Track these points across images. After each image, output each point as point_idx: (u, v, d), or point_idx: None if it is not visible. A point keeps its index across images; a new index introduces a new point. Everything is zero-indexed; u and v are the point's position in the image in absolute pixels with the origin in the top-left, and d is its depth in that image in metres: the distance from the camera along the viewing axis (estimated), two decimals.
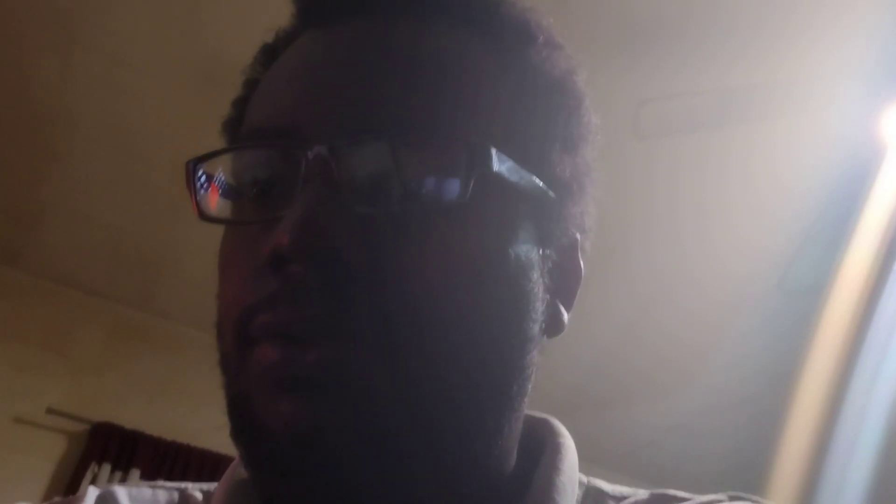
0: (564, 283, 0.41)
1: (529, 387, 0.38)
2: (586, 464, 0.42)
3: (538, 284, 0.38)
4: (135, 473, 2.70)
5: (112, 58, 2.05)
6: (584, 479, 0.43)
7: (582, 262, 0.43)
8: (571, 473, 0.40)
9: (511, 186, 0.36)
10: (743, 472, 2.56)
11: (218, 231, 0.39)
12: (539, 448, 0.41)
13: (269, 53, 0.43)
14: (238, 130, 0.42)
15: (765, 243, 2.24)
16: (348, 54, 0.37)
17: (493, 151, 0.35)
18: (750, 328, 2.52)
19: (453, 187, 0.34)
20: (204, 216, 0.37)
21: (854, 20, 1.68)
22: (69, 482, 2.65)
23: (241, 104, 0.43)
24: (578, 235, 0.43)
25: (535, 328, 0.38)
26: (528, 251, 0.37)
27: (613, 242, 2.28)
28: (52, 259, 2.90)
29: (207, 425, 2.76)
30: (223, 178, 0.37)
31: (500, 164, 0.35)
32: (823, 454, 2.40)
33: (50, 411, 2.74)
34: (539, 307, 0.38)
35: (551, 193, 0.39)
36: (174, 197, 2.48)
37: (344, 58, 0.37)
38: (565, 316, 0.41)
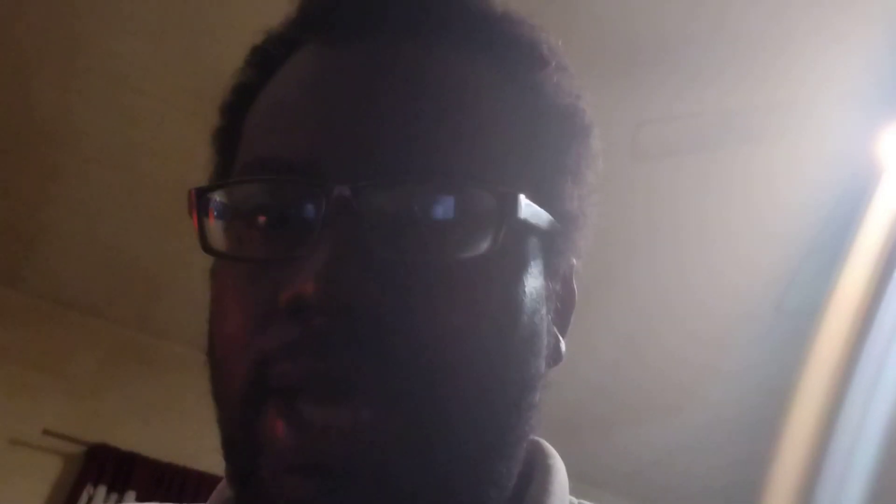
0: (563, 312, 0.41)
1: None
2: (589, 485, 0.41)
3: (545, 319, 0.37)
4: (131, 496, 2.68)
5: (113, 79, 2.06)
6: (575, 500, 0.42)
7: (575, 285, 0.43)
8: (562, 494, 0.39)
9: (531, 228, 0.36)
10: (744, 488, 2.55)
11: None
12: (529, 469, 0.40)
13: (262, 57, 0.41)
14: (230, 142, 0.40)
15: (765, 262, 2.24)
16: (367, 84, 0.35)
17: (522, 198, 0.34)
18: (750, 346, 2.52)
19: (484, 237, 0.33)
20: (209, 249, 0.35)
21: (852, 43, 1.70)
22: None
23: (231, 112, 0.41)
24: (575, 261, 0.42)
25: (543, 363, 0.37)
26: (539, 288, 0.37)
27: (615, 262, 2.28)
28: (51, 280, 2.89)
29: (204, 447, 2.74)
30: (227, 208, 0.35)
31: (526, 210, 0.34)
32: (822, 470, 2.40)
33: (46, 432, 2.72)
34: (546, 342, 0.37)
35: (561, 227, 0.38)
36: (174, 218, 2.48)
37: (362, 88, 0.35)
38: (563, 344, 0.41)
